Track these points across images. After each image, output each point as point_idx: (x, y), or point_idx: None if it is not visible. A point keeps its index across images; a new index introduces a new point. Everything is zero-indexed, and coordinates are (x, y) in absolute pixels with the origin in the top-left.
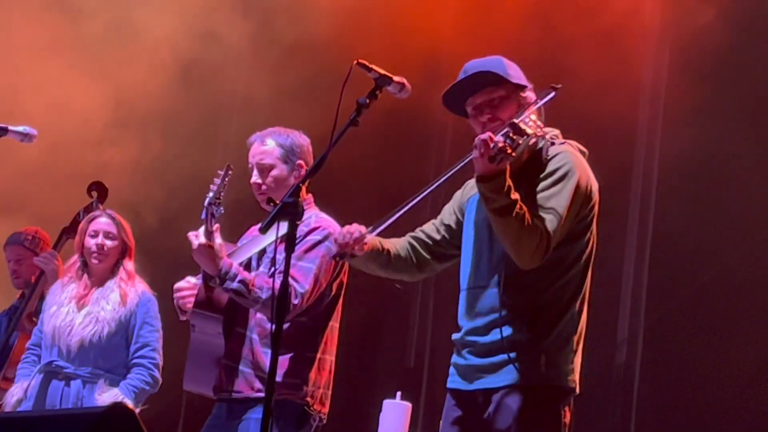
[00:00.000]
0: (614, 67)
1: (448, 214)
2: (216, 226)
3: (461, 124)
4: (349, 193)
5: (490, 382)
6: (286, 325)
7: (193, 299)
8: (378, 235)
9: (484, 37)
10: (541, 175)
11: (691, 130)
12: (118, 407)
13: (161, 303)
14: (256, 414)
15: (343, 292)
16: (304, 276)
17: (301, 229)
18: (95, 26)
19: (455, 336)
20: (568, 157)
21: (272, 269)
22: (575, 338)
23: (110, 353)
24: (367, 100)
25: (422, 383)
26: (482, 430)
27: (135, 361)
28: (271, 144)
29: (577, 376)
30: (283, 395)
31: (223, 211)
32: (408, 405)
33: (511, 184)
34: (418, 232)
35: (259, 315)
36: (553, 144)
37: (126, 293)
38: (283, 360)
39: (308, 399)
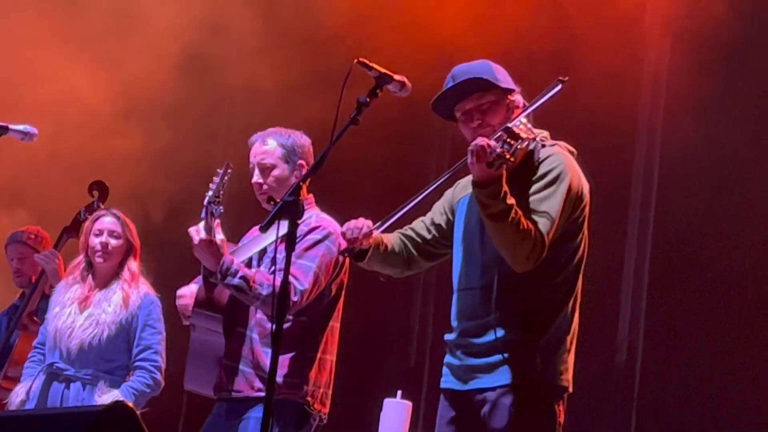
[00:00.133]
0: (623, 59)
1: (438, 213)
2: (217, 221)
3: None
4: (354, 188)
5: (485, 381)
6: (286, 325)
7: (190, 306)
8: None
9: (495, 29)
10: (533, 178)
11: (695, 125)
12: (118, 406)
13: (165, 297)
14: (256, 413)
15: (343, 291)
16: (303, 274)
17: (302, 228)
18: (98, 16)
19: (448, 336)
20: (560, 159)
21: (273, 268)
22: (569, 338)
23: (110, 356)
24: (368, 99)
25: (423, 382)
26: (478, 430)
27: (137, 363)
28: (272, 144)
29: (570, 375)
30: (284, 395)
31: (222, 210)
32: (408, 404)
33: (507, 189)
34: (407, 230)
35: (259, 314)
36: (543, 146)
37: (128, 295)
38: (284, 360)
39: (308, 399)
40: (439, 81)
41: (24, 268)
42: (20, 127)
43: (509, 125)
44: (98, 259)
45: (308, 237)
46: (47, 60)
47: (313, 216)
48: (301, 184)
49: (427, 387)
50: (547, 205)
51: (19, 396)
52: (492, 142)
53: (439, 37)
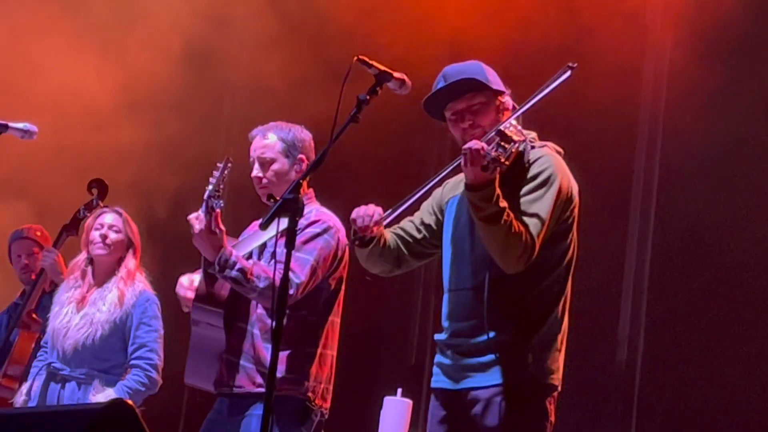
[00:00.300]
0: (632, 52)
1: (427, 213)
2: (217, 212)
3: None
4: (357, 181)
5: (478, 381)
6: (286, 320)
7: (192, 293)
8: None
9: (502, 22)
10: (524, 179)
11: (698, 121)
12: (119, 404)
13: (169, 290)
14: (258, 410)
15: (342, 286)
16: (300, 267)
17: (301, 222)
18: (101, 9)
19: (439, 336)
20: (550, 160)
21: (272, 261)
22: (560, 337)
23: (105, 355)
24: (368, 97)
25: (423, 380)
26: (471, 429)
27: (132, 362)
28: (272, 138)
29: (560, 374)
30: (284, 391)
31: (222, 204)
32: (409, 402)
33: (499, 192)
34: (397, 229)
35: (260, 309)
36: (533, 147)
37: (123, 293)
38: (284, 355)
39: (309, 394)
40: None
41: (32, 264)
42: (20, 125)
43: (501, 128)
44: (97, 251)
45: (307, 230)
46: (50, 53)
47: (313, 210)
48: (301, 181)
49: (427, 385)
50: (537, 206)
51: (22, 395)
52: (485, 146)
53: (447, 30)
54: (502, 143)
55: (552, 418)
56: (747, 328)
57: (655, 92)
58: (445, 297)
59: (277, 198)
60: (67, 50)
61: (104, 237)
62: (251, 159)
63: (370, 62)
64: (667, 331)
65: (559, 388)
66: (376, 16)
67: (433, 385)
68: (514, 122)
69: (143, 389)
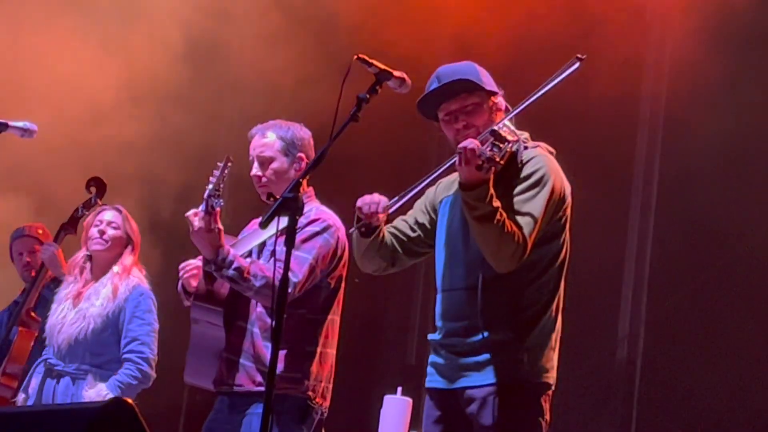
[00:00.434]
0: (638, 45)
1: (421, 212)
2: (216, 210)
3: None
4: (360, 176)
5: (473, 380)
6: (286, 319)
7: (198, 273)
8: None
9: (510, 16)
10: (517, 179)
11: (700, 119)
12: (118, 402)
13: (171, 285)
14: (258, 409)
15: (342, 285)
16: (299, 265)
17: (301, 220)
18: (103, 3)
19: (432, 336)
20: (543, 161)
21: (271, 260)
22: (554, 336)
23: (99, 349)
24: (367, 95)
25: (423, 379)
26: (466, 428)
27: (124, 356)
28: (271, 137)
29: (555, 373)
30: (284, 389)
31: (222, 204)
32: (409, 400)
33: (493, 192)
34: (391, 228)
35: (260, 308)
36: (526, 147)
37: (117, 288)
38: (284, 354)
39: (310, 393)
40: None
41: (34, 262)
42: (20, 124)
43: (495, 128)
44: (94, 247)
45: (306, 229)
46: (52, 47)
47: (313, 209)
48: (300, 180)
49: None
50: (530, 206)
51: (22, 393)
52: (480, 145)
53: (453, 26)
54: (497, 143)
55: (547, 417)
56: (747, 326)
57: (659, 86)
58: (439, 297)
59: (277, 197)
60: (70, 45)
61: (102, 233)
62: (251, 157)
63: (370, 61)
64: (668, 329)
65: (554, 387)
66: (381, 12)
67: (427, 385)
68: (507, 123)
69: (135, 383)
